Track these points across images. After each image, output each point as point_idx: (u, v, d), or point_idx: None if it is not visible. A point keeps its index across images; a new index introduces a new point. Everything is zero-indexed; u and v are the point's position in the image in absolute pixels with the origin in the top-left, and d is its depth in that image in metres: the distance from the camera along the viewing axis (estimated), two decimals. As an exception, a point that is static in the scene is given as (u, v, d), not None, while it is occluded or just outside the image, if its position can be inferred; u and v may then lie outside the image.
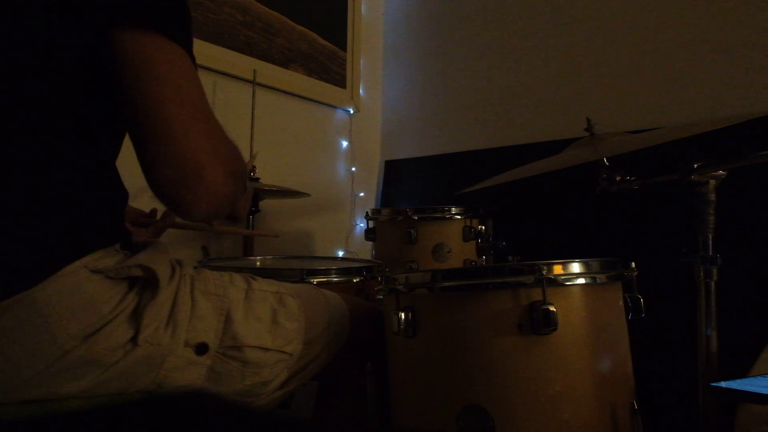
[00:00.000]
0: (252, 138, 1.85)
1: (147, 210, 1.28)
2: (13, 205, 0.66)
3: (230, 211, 0.84)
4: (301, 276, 1.15)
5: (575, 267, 0.86)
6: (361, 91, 2.43)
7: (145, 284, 0.74)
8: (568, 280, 0.85)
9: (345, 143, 2.36)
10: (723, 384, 0.69)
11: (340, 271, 1.22)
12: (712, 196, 0.98)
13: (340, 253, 2.29)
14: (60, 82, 0.70)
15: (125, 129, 0.79)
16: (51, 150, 0.69)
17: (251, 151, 1.84)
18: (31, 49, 0.68)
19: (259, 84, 1.95)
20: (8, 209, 0.66)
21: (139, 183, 0.81)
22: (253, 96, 1.91)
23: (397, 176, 2.45)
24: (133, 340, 0.71)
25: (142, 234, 1.20)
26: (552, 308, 0.81)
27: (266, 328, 0.85)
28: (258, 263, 1.50)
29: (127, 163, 0.80)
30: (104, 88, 0.72)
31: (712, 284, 0.98)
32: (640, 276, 0.95)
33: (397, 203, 2.39)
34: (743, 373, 0.92)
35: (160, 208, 1.27)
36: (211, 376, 0.79)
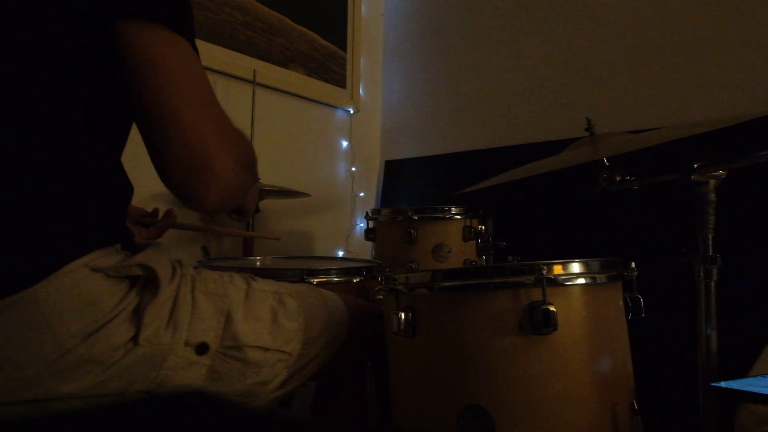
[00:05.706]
0: (252, 138, 1.85)
1: (149, 209, 1.28)
2: (14, 202, 0.66)
3: (239, 203, 0.84)
4: (301, 276, 1.15)
5: (575, 267, 0.86)
6: (361, 91, 2.43)
7: (146, 284, 0.74)
8: (568, 280, 0.85)
9: (345, 143, 2.36)
10: (723, 384, 0.69)
11: (340, 271, 1.22)
12: (712, 196, 0.98)
13: (340, 253, 2.29)
14: (63, 77, 0.70)
15: (130, 124, 0.79)
16: (53, 146, 0.69)
17: (251, 151, 1.84)
18: (35, 44, 0.68)
19: (259, 84, 1.94)
20: (10, 207, 0.66)
21: (140, 185, 0.81)
22: (253, 96, 1.91)
23: (397, 176, 2.44)
24: (134, 339, 0.71)
25: (143, 234, 1.20)
26: (552, 308, 0.81)
27: (266, 328, 0.85)
28: (258, 263, 1.50)
29: (128, 166, 0.80)
30: (108, 83, 0.72)
31: (712, 284, 0.98)
32: (640, 276, 0.95)
33: (397, 203, 2.38)
34: (743, 373, 0.92)
35: (162, 209, 1.27)
36: (211, 375, 0.79)
